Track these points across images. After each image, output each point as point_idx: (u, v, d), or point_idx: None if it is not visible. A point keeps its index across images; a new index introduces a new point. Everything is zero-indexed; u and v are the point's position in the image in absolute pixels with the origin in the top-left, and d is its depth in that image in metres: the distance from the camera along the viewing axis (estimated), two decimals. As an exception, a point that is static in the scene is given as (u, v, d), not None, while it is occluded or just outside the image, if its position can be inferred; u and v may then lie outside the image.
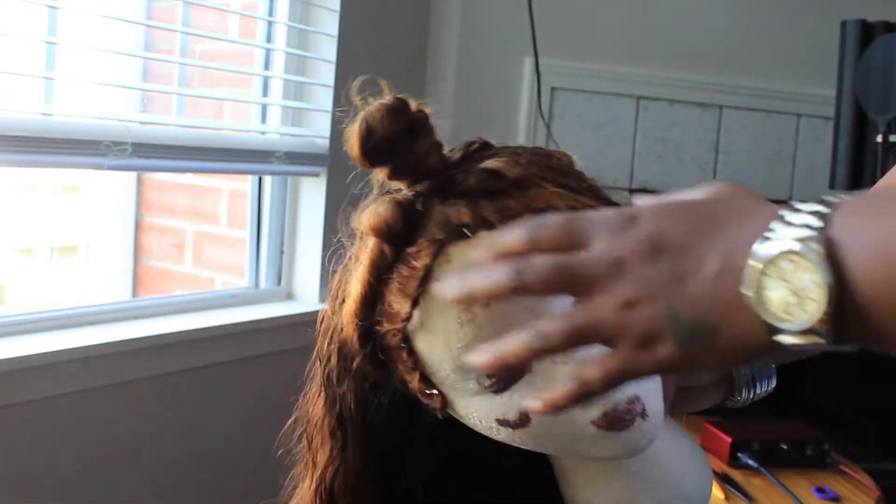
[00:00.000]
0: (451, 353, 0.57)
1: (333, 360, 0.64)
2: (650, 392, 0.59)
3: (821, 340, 0.40)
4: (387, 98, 0.57)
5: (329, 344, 0.64)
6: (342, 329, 0.62)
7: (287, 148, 1.70)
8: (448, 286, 0.50)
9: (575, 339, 0.46)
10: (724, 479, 1.43)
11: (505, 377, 0.57)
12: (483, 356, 0.47)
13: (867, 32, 1.71)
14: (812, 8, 2.13)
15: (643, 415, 0.58)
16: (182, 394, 1.55)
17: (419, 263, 0.57)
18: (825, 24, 1.89)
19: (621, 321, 0.44)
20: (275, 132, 1.76)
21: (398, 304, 0.57)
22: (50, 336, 1.37)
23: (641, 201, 0.50)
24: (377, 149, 0.57)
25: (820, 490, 1.42)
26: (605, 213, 0.47)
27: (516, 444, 0.60)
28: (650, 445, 0.60)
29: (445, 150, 0.61)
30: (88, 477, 1.40)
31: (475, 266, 0.50)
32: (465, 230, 0.56)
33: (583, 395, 0.47)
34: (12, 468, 1.30)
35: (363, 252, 0.59)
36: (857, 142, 1.77)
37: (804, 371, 1.76)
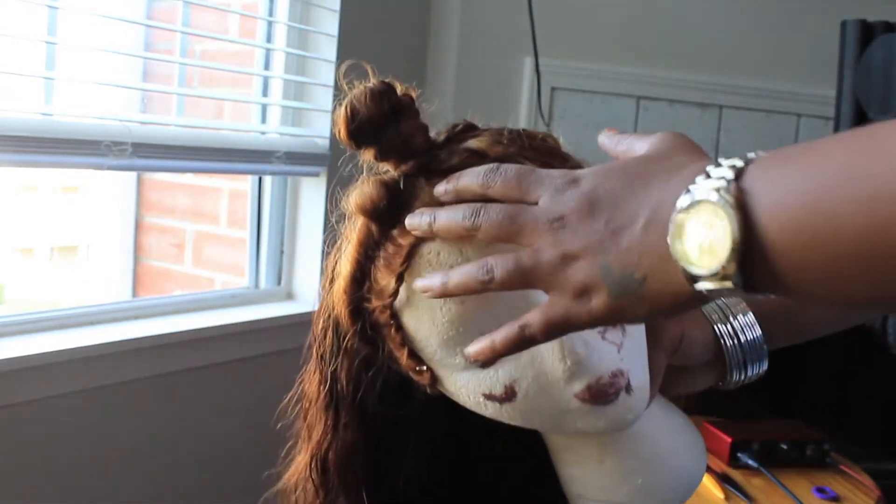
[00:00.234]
0: (436, 328, 0.58)
1: (327, 338, 0.65)
2: (635, 366, 0.59)
3: (731, 285, 0.42)
4: (372, 82, 0.59)
5: (323, 323, 0.66)
6: (334, 307, 0.63)
7: (287, 148, 1.70)
8: (411, 220, 0.56)
9: (517, 279, 0.50)
10: (724, 479, 1.43)
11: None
12: (425, 283, 0.55)
13: (867, 32, 1.71)
14: (812, 8, 2.13)
15: (628, 389, 0.58)
16: (182, 394, 1.55)
17: (404, 241, 0.58)
18: (825, 24, 1.89)
19: (560, 272, 0.48)
20: (275, 132, 1.76)
21: (384, 280, 0.59)
22: (50, 336, 1.37)
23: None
24: (362, 130, 0.58)
25: (820, 490, 1.42)
26: (553, 172, 0.52)
27: (505, 420, 0.60)
28: (636, 420, 0.60)
29: (431, 134, 0.62)
30: (88, 477, 1.40)
31: (436, 201, 0.56)
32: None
33: (522, 341, 0.51)
34: (12, 468, 1.30)
35: (352, 231, 0.62)
36: (857, 142, 1.76)
37: (804, 371, 1.76)
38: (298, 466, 0.69)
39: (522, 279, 0.50)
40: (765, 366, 0.69)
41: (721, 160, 0.44)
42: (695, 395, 0.71)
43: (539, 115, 2.01)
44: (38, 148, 1.29)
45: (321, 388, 0.66)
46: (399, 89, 0.60)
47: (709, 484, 1.42)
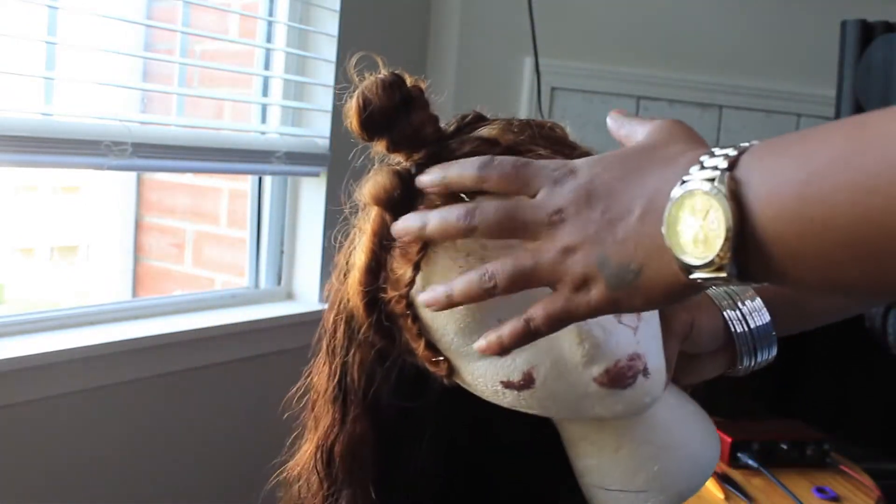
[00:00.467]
0: (453, 316, 0.57)
1: (339, 331, 0.65)
2: (651, 350, 0.59)
3: (725, 275, 0.42)
4: (382, 73, 0.59)
5: (335, 316, 0.66)
6: (348, 299, 0.63)
7: (287, 148, 1.70)
8: (403, 225, 0.56)
9: (520, 281, 0.50)
10: (724, 479, 1.43)
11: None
12: (429, 295, 0.54)
13: (867, 32, 1.71)
14: (812, 8, 2.13)
15: (645, 372, 0.58)
16: (182, 394, 1.55)
17: None
18: (825, 24, 1.89)
19: (560, 266, 0.48)
20: (275, 132, 1.76)
21: (401, 269, 0.59)
22: (50, 336, 1.37)
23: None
24: (374, 120, 0.58)
25: (820, 490, 1.42)
26: (549, 163, 0.51)
27: (522, 409, 0.60)
28: (653, 403, 0.60)
29: (441, 124, 0.62)
30: (88, 477, 1.40)
31: (432, 199, 0.56)
32: (463, 195, 0.57)
33: (527, 335, 0.51)
34: (12, 468, 1.30)
35: (366, 222, 0.61)
36: (857, 142, 1.76)
37: (804, 371, 1.76)
38: (303, 457, 0.69)
39: (525, 280, 0.50)
40: (774, 352, 0.69)
41: (715, 150, 0.45)
42: (695, 395, 0.71)
43: (539, 115, 2.01)
44: (38, 148, 1.29)
45: (330, 381, 0.66)
46: (409, 80, 0.60)
47: (709, 484, 1.42)
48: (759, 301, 0.68)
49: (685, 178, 0.44)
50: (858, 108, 1.75)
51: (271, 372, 1.68)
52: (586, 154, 0.62)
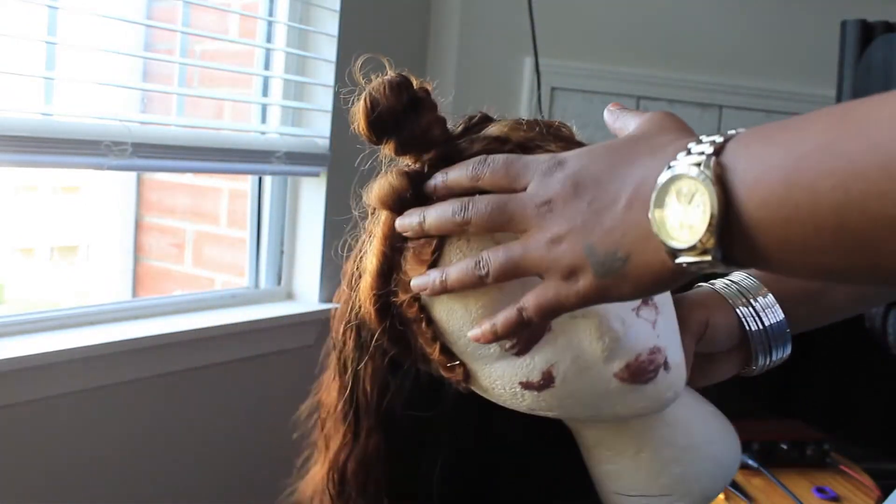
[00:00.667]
0: (470, 316, 0.57)
1: (350, 343, 0.64)
2: (671, 343, 0.59)
3: (710, 259, 0.43)
4: (389, 74, 0.59)
5: (345, 328, 0.64)
6: (360, 307, 0.62)
7: (287, 148, 1.70)
8: (403, 222, 0.57)
9: (509, 270, 0.51)
10: (724, 479, 1.43)
11: (526, 338, 0.57)
12: (424, 280, 0.55)
13: (867, 32, 1.71)
14: (812, 8, 2.13)
15: (665, 366, 0.58)
16: (182, 394, 1.55)
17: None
18: (825, 24, 1.89)
19: (549, 255, 0.49)
20: (275, 132, 1.76)
21: (414, 271, 0.58)
22: (50, 336, 1.37)
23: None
24: (382, 121, 0.58)
25: (820, 490, 1.42)
26: (539, 157, 0.52)
27: (541, 411, 0.59)
28: (675, 398, 0.59)
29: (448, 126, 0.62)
30: (88, 477, 1.40)
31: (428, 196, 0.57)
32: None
33: (520, 323, 0.52)
34: (12, 468, 1.30)
35: (376, 226, 0.60)
36: (857, 142, 1.76)
37: (804, 371, 1.76)
38: (315, 478, 0.68)
39: (515, 269, 0.51)
40: (788, 350, 0.69)
41: (703, 137, 0.45)
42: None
43: (539, 115, 2.01)
44: (38, 148, 1.29)
45: (341, 395, 0.65)
46: (415, 83, 0.59)
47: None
48: (771, 297, 0.68)
49: (671, 163, 0.44)
50: (858, 108, 1.74)
51: (271, 372, 1.68)
52: None
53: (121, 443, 1.45)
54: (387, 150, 0.60)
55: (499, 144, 0.59)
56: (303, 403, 0.71)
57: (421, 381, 0.63)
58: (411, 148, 0.59)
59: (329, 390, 0.67)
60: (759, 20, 2.17)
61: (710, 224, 0.42)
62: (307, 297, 1.80)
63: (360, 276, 0.62)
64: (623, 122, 0.56)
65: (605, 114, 0.59)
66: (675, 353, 0.59)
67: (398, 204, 0.58)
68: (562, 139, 0.61)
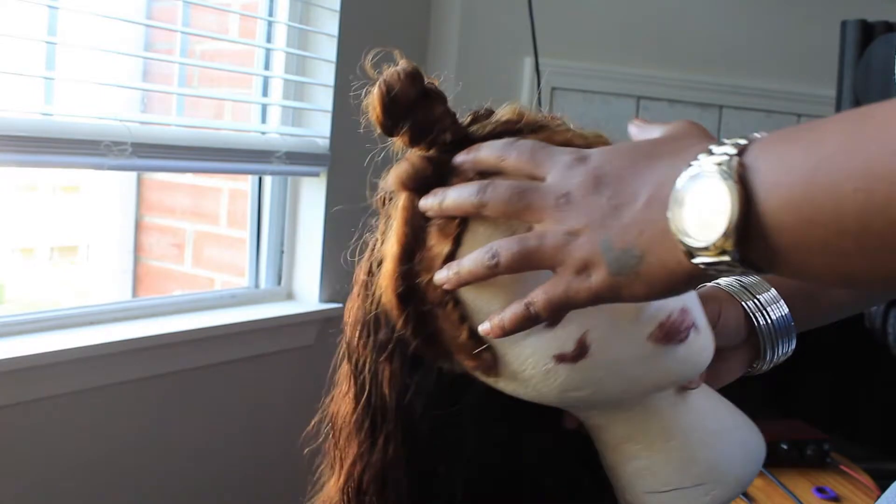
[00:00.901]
0: (501, 289, 0.56)
1: (368, 344, 0.62)
2: (695, 307, 0.59)
3: (728, 259, 0.42)
4: (402, 64, 0.59)
5: (361, 330, 0.63)
6: (378, 302, 0.60)
7: (287, 148, 1.70)
8: (423, 203, 0.57)
9: (522, 261, 0.51)
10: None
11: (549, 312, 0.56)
12: (443, 274, 0.55)
13: (867, 32, 1.71)
14: (812, 8, 2.13)
15: (696, 327, 0.58)
16: (182, 394, 1.55)
17: None
18: (825, 24, 1.89)
19: (563, 249, 0.49)
20: (275, 132, 1.76)
21: (439, 245, 0.57)
22: (50, 336, 1.37)
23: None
24: (398, 105, 0.58)
25: (820, 490, 1.42)
26: (563, 150, 0.53)
27: (573, 393, 0.57)
28: (707, 362, 0.59)
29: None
30: (88, 477, 1.40)
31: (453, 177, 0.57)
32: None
33: (528, 318, 0.52)
34: (12, 468, 1.30)
35: (395, 210, 0.60)
36: (857, 142, 1.76)
37: (804, 371, 1.76)
38: (329, 494, 0.66)
39: (527, 261, 0.51)
40: (793, 344, 0.69)
41: (724, 139, 0.45)
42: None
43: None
44: (38, 148, 1.29)
45: (356, 402, 0.63)
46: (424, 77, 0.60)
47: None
48: (774, 292, 0.68)
49: (693, 162, 0.44)
50: (858, 108, 1.75)
51: (271, 372, 1.68)
52: (600, 141, 0.62)
53: (121, 443, 1.45)
54: (400, 140, 0.60)
55: (511, 125, 0.60)
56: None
57: (442, 382, 0.61)
58: (425, 135, 0.59)
59: (341, 403, 0.65)
60: (759, 20, 2.17)
61: (729, 223, 0.42)
62: (307, 297, 1.80)
63: (378, 265, 0.61)
64: (648, 132, 0.57)
65: (631, 128, 0.59)
66: (701, 317, 0.59)
67: (419, 184, 0.58)
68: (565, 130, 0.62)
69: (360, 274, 0.64)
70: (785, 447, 1.50)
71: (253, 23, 1.79)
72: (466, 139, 0.59)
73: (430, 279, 0.57)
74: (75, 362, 1.35)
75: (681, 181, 0.44)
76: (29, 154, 1.28)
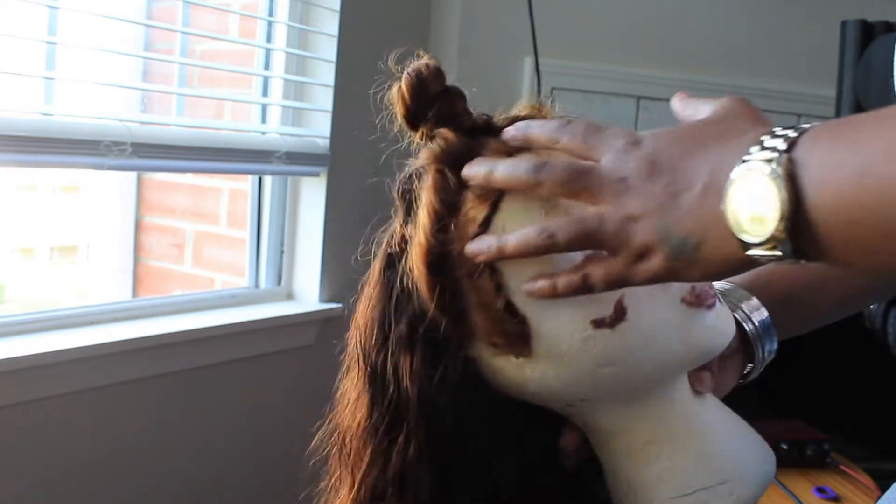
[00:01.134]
0: (539, 259, 0.56)
1: (386, 340, 0.61)
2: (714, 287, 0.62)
3: (780, 253, 0.44)
4: (426, 59, 0.62)
5: (377, 328, 0.61)
6: (404, 283, 0.60)
7: (287, 148, 1.70)
8: (471, 169, 0.57)
9: (583, 241, 0.52)
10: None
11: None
12: (482, 244, 0.55)
13: (867, 32, 1.71)
14: (812, 8, 2.13)
15: (718, 298, 0.61)
16: (182, 394, 1.55)
17: None
18: (825, 24, 1.89)
19: (623, 234, 0.50)
20: (275, 132, 1.76)
21: (475, 210, 0.58)
22: (50, 336, 1.37)
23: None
24: (425, 94, 0.61)
25: (820, 490, 1.42)
26: (616, 132, 0.53)
27: (607, 368, 0.57)
28: (732, 335, 0.61)
29: None
30: (88, 477, 1.40)
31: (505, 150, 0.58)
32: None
33: (582, 289, 0.53)
34: (12, 468, 1.30)
35: (423, 189, 0.60)
36: (857, 142, 1.76)
37: (804, 371, 1.76)
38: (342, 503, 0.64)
39: (588, 241, 0.52)
40: (775, 345, 0.71)
41: (776, 129, 0.46)
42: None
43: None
44: (38, 148, 1.29)
45: (370, 406, 0.61)
46: None
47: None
48: (756, 301, 0.70)
49: (745, 157, 0.45)
50: (858, 109, 1.75)
51: (271, 372, 1.68)
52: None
53: (121, 443, 1.45)
54: (421, 131, 0.61)
55: (531, 116, 0.62)
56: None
57: (467, 372, 0.60)
58: (447, 124, 0.61)
59: (350, 412, 0.63)
60: (759, 20, 2.17)
61: (780, 220, 0.43)
62: (307, 297, 1.80)
63: (400, 253, 0.61)
64: (694, 109, 0.57)
65: (674, 102, 0.60)
66: (717, 295, 0.62)
67: (451, 160, 0.59)
68: None
69: (376, 268, 0.63)
70: (785, 447, 1.50)
71: (253, 23, 1.79)
72: (488, 126, 0.61)
73: (464, 247, 0.57)
74: (75, 362, 1.35)
75: (733, 175, 0.45)
76: (29, 154, 1.28)
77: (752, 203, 0.44)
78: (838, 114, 1.80)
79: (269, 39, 1.78)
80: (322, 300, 1.77)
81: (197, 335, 1.55)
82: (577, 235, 0.52)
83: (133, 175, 2.07)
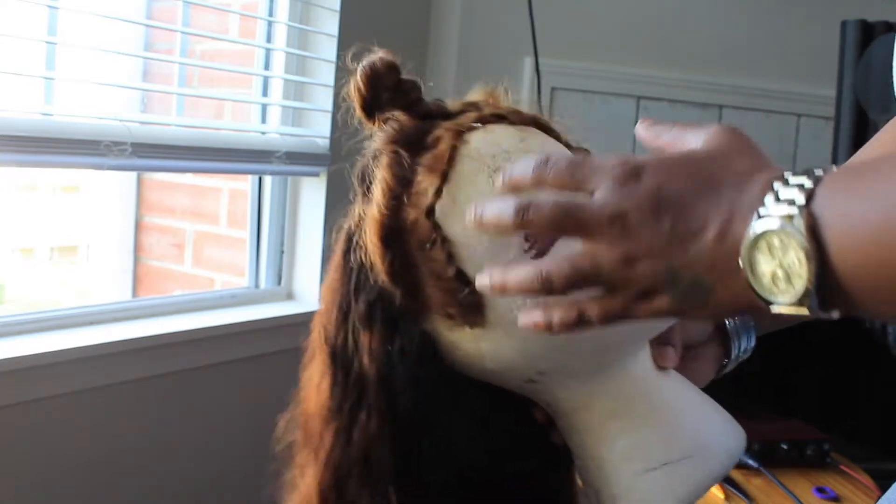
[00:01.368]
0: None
1: (346, 318, 0.62)
2: None
3: (807, 312, 0.43)
4: (381, 52, 0.64)
5: (338, 308, 0.63)
6: (363, 257, 0.61)
7: (287, 148, 1.70)
8: (471, 215, 0.54)
9: (578, 283, 0.49)
10: (724, 479, 1.43)
11: (546, 237, 0.57)
12: (486, 279, 0.52)
13: (867, 32, 1.71)
14: (812, 8, 2.13)
15: None
16: (182, 394, 1.55)
17: (443, 145, 0.60)
18: (825, 24, 1.89)
19: (622, 274, 0.47)
20: (275, 132, 1.76)
21: (427, 181, 0.59)
22: (50, 336, 1.37)
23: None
24: (380, 82, 0.62)
25: (820, 490, 1.42)
26: (611, 161, 0.49)
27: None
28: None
29: None
30: (88, 477, 1.40)
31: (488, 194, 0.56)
32: (478, 124, 0.61)
33: (579, 325, 0.50)
34: (12, 468, 1.30)
35: (378, 168, 0.62)
36: (857, 142, 1.77)
37: (804, 371, 1.76)
38: (307, 492, 0.64)
39: (583, 283, 0.49)
40: (753, 342, 0.71)
41: (788, 176, 0.44)
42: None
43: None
44: (38, 148, 1.29)
45: (331, 385, 0.62)
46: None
47: (709, 484, 1.41)
48: None
49: (761, 211, 0.44)
50: (858, 108, 1.75)
51: (271, 372, 1.68)
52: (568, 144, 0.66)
53: (121, 443, 1.45)
54: (379, 119, 0.63)
55: (473, 107, 0.64)
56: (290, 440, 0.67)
57: (424, 350, 0.60)
58: (403, 111, 0.63)
59: (312, 396, 0.64)
60: (759, 20, 2.17)
61: (808, 280, 0.42)
62: (307, 297, 1.80)
63: (357, 231, 0.62)
64: (673, 137, 0.54)
65: (641, 130, 0.56)
66: None
67: (402, 139, 0.61)
68: (531, 121, 0.67)
69: (337, 250, 0.64)
70: (785, 447, 1.50)
71: (253, 23, 1.79)
72: (441, 110, 0.63)
73: (417, 217, 0.58)
74: (75, 362, 1.35)
75: (754, 228, 0.44)
76: (29, 154, 1.28)
77: (773, 261, 0.43)
78: (838, 114, 1.80)
79: (269, 39, 1.78)
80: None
81: (197, 335, 1.55)
82: (572, 277, 0.49)
83: (133, 175, 2.07)
